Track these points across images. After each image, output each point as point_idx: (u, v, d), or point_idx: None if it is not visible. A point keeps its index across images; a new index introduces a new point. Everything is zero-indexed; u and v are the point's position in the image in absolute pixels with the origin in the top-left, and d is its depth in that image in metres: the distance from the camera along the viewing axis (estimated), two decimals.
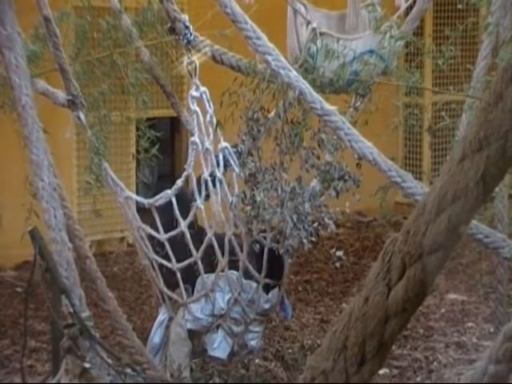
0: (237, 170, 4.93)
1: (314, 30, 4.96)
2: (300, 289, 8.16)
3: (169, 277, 5.34)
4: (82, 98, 4.99)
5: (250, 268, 5.12)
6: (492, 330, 6.43)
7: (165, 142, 9.23)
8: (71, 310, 3.76)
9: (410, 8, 5.32)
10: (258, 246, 5.07)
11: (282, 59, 4.02)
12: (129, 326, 4.85)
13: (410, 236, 1.85)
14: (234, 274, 5.16)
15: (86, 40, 5.71)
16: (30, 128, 3.94)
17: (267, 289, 5.31)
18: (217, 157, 4.91)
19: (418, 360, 6.47)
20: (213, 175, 4.91)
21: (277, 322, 7.20)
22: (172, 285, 5.36)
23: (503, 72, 1.77)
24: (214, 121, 4.86)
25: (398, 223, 9.59)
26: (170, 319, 5.49)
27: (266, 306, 5.33)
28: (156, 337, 5.54)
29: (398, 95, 5.52)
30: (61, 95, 5.10)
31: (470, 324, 7.24)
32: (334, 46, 4.92)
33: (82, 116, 5.03)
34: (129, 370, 3.92)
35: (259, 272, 5.17)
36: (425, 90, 8.40)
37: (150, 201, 5.15)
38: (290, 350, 6.60)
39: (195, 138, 4.87)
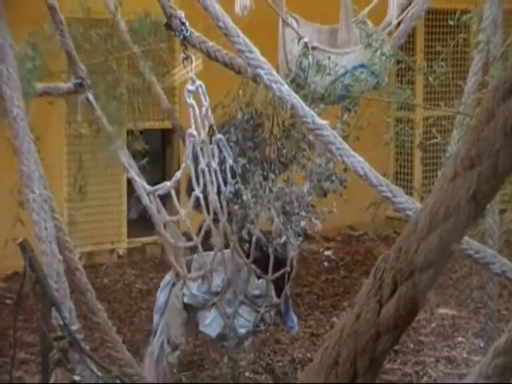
0: (230, 161, 5.09)
1: (305, 44, 4.98)
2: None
3: None
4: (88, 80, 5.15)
5: (239, 250, 5.27)
6: (482, 344, 6.43)
7: (156, 155, 9.23)
8: (61, 323, 3.74)
9: (399, 23, 5.36)
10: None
11: (274, 73, 4.03)
12: (119, 338, 4.84)
13: (402, 253, 1.86)
14: (227, 252, 5.31)
15: (80, 49, 5.72)
16: (20, 139, 3.94)
17: (256, 276, 5.42)
18: (212, 148, 5.06)
19: (408, 374, 6.47)
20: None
21: (267, 335, 7.20)
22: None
23: (495, 90, 1.78)
24: (210, 113, 5.02)
25: (388, 237, 9.60)
26: (174, 283, 5.66)
27: (256, 291, 5.42)
28: (161, 297, 5.71)
29: (389, 111, 5.54)
30: (63, 85, 5.26)
31: (460, 339, 7.25)
32: (325, 62, 4.94)
33: (90, 97, 5.20)
34: (119, 383, 3.91)
35: (247, 256, 5.31)
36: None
37: (150, 189, 5.30)
38: (280, 364, 6.60)
39: (192, 130, 5.01)
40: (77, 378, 3.72)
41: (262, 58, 3.99)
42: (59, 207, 4.86)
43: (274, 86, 3.98)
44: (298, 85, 4.85)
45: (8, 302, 7.78)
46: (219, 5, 4.03)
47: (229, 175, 5.12)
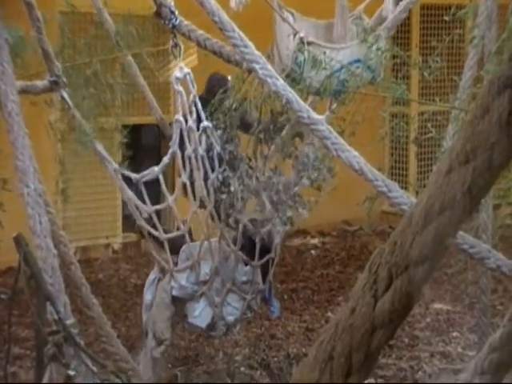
0: (218, 148, 5.13)
1: (301, 39, 4.97)
2: (286, 297, 8.16)
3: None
4: (63, 78, 5.13)
5: (227, 238, 5.32)
6: (477, 339, 6.44)
7: (153, 148, 9.22)
8: (56, 317, 3.74)
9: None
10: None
11: (269, 68, 4.02)
12: (113, 333, 4.84)
13: (397, 247, 1.86)
14: (214, 241, 5.37)
15: (72, 45, 5.71)
16: (15, 134, 3.93)
17: (244, 263, 5.48)
18: (200, 135, 5.10)
19: (403, 369, 6.48)
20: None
21: (262, 330, 7.20)
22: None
23: (490, 85, 1.77)
24: (198, 101, 5.08)
25: (383, 232, 9.61)
26: (159, 279, 5.67)
27: (243, 278, 5.47)
28: (148, 294, 5.73)
29: (384, 106, 5.53)
30: (40, 83, 5.23)
31: (454, 334, 7.26)
32: (321, 56, 4.94)
33: (65, 95, 5.18)
34: (113, 378, 3.91)
35: (234, 244, 5.36)
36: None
37: (137, 176, 5.30)
38: (275, 359, 6.60)
39: (179, 117, 5.07)
40: (71, 372, 3.72)
41: (257, 53, 3.98)
42: (53, 202, 4.86)
43: (269, 80, 3.97)
44: (293, 79, 4.85)
45: (3, 296, 7.77)
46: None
47: (216, 162, 5.14)
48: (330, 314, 7.67)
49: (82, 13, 5.93)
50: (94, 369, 3.83)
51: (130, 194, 5.33)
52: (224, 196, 5.09)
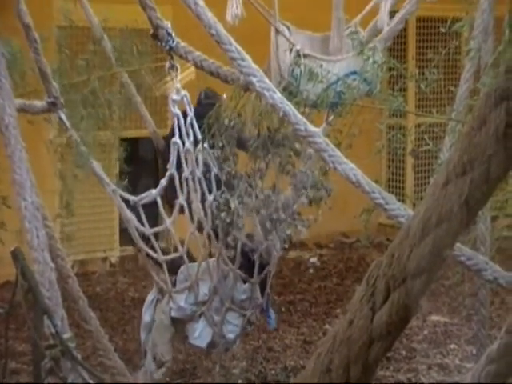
0: (215, 169, 5.15)
1: (297, 52, 4.98)
2: (283, 309, 8.15)
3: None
4: (61, 99, 5.14)
5: (225, 257, 5.32)
6: (474, 351, 6.43)
7: (149, 162, 9.21)
8: (53, 331, 3.73)
9: None
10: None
11: (267, 81, 4.03)
12: (111, 346, 4.82)
13: (395, 259, 1.86)
14: (212, 261, 5.36)
15: (69, 61, 5.73)
16: (12, 147, 3.93)
17: (243, 281, 5.47)
18: (197, 157, 5.12)
19: (400, 382, 6.47)
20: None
21: (259, 343, 7.19)
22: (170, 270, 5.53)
23: (486, 97, 1.78)
24: (194, 123, 5.10)
25: (381, 244, 9.61)
26: (158, 300, 5.68)
27: (242, 296, 5.47)
28: (147, 315, 5.74)
29: (381, 118, 5.54)
30: (38, 103, 5.24)
31: (452, 346, 7.25)
32: (317, 69, 4.95)
33: (63, 116, 5.20)
34: None
35: (232, 263, 5.36)
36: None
37: (135, 198, 5.30)
38: (272, 372, 6.59)
39: (176, 139, 5.07)
40: None
41: (254, 66, 3.99)
42: (51, 216, 4.85)
43: (267, 93, 3.98)
44: (290, 92, 4.85)
45: (0, 311, 7.74)
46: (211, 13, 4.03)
47: (213, 183, 5.14)
48: (327, 326, 7.66)
49: (79, 27, 5.94)
50: (92, 382, 3.82)
51: (129, 214, 5.33)
52: (223, 214, 5.08)
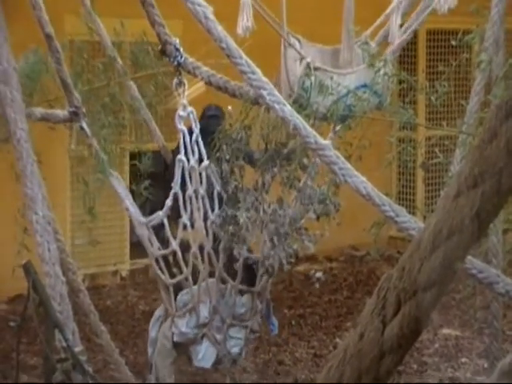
0: (218, 187, 5.14)
1: (308, 64, 4.99)
2: (293, 323, 8.13)
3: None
4: (83, 109, 5.19)
5: (225, 276, 5.29)
6: (486, 365, 6.40)
7: (159, 176, 9.22)
8: (64, 344, 3.73)
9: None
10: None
11: (277, 94, 4.04)
12: (122, 360, 4.83)
13: (405, 272, 1.85)
14: (211, 281, 5.33)
15: (82, 74, 5.75)
16: (24, 161, 3.95)
17: (241, 293, 5.44)
18: (200, 174, 5.13)
19: None
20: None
21: (270, 356, 7.17)
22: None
23: (497, 109, 1.78)
24: (200, 140, 5.10)
25: (391, 257, 9.58)
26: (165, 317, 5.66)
27: (242, 310, 5.44)
28: (153, 331, 5.72)
29: (391, 130, 5.54)
30: (60, 113, 5.28)
31: (463, 359, 7.22)
32: (327, 82, 4.95)
33: (85, 125, 5.23)
34: None
35: (233, 279, 5.33)
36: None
37: (144, 220, 5.31)
38: None
39: (181, 156, 5.09)
40: None
41: (264, 79, 4.00)
42: (63, 229, 4.87)
43: (277, 106, 3.98)
44: (300, 105, 4.86)
45: (11, 324, 7.75)
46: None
47: (216, 202, 5.15)
48: (338, 339, 7.64)
49: (89, 41, 5.96)
50: None
51: (141, 231, 5.35)
52: (231, 227, 5.06)
